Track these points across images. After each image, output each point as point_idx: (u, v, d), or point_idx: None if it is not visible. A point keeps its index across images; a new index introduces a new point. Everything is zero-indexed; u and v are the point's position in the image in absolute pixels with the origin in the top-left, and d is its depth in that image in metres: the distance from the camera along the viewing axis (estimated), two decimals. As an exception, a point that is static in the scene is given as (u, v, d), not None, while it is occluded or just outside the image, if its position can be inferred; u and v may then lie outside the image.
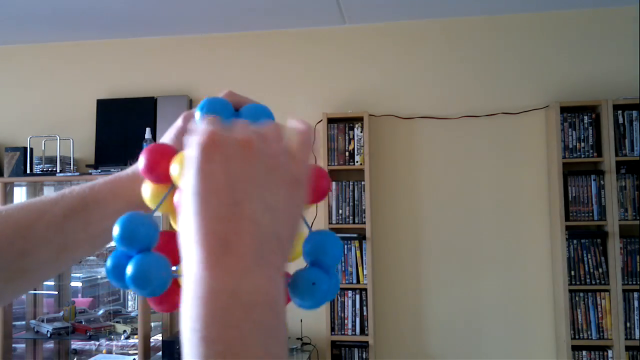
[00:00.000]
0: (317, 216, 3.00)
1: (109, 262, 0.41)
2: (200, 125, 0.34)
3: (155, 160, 0.42)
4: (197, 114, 0.45)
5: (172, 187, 0.43)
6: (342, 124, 2.99)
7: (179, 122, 0.49)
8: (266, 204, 0.32)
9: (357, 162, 2.96)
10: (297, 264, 0.44)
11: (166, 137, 0.49)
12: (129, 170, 0.50)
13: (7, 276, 0.46)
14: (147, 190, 0.44)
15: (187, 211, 0.32)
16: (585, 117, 2.80)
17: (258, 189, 0.32)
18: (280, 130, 0.35)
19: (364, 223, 2.90)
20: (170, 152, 0.43)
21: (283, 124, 0.37)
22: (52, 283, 3.47)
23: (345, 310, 2.91)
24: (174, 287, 0.41)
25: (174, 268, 0.40)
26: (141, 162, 0.41)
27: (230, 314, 0.29)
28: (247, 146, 0.32)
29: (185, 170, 0.33)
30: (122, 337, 3.01)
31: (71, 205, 0.47)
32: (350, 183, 2.96)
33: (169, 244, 0.41)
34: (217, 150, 0.32)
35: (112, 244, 0.45)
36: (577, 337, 2.72)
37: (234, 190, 0.31)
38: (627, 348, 2.67)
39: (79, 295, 3.60)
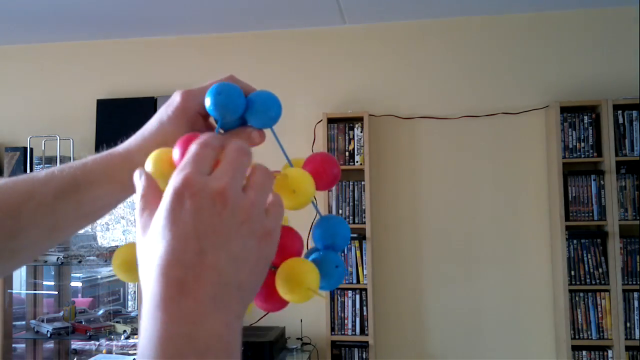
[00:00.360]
0: (317, 216, 3.00)
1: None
2: (181, 165, 0.35)
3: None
4: (208, 100, 0.44)
5: (218, 126, 0.45)
6: (342, 124, 2.99)
7: (176, 99, 0.47)
8: (232, 255, 0.32)
9: (357, 162, 2.96)
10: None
11: (164, 115, 0.47)
12: (122, 148, 0.48)
13: None
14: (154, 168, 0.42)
15: (152, 249, 0.33)
16: (585, 117, 2.80)
17: (226, 239, 0.32)
18: (263, 178, 0.36)
19: (364, 223, 2.90)
20: None
21: (265, 168, 0.37)
22: (52, 283, 3.47)
23: (345, 310, 2.91)
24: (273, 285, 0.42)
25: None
26: (177, 153, 0.40)
27: (184, 358, 0.29)
28: (221, 198, 0.33)
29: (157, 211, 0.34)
30: (122, 337, 3.01)
31: (62, 186, 0.45)
32: (350, 183, 2.96)
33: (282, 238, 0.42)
34: (190, 197, 0.32)
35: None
36: (577, 337, 2.72)
37: (199, 240, 0.32)
38: (627, 348, 2.67)
39: (79, 295, 3.60)
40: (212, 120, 0.49)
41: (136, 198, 0.37)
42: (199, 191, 0.33)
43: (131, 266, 0.44)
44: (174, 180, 0.33)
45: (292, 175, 0.43)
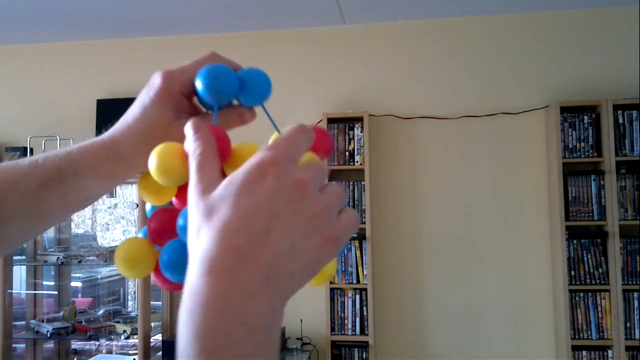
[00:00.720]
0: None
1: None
2: (272, 144, 0.35)
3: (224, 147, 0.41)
4: (200, 84, 0.43)
5: (216, 109, 0.44)
6: (342, 124, 2.99)
7: (157, 82, 0.46)
8: (293, 243, 0.32)
9: (357, 162, 2.96)
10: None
11: (146, 100, 0.46)
12: (107, 137, 0.46)
13: None
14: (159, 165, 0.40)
15: (217, 211, 0.32)
16: (585, 117, 2.80)
17: (293, 227, 0.32)
18: (340, 191, 0.36)
19: (364, 223, 2.90)
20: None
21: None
22: (52, 283, 3.47)
23: (345, 310, 2.91)
24: None
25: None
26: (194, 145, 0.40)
27: (234, 330, 0.29)
28: (301, 187, 0.33)
29: (234, 170, 0.34)
30: (122, 337, 3.01)
31: (46, 176, 0.44)
32: (350, 183, 2.96)
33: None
34: (273, 176, 0.33)
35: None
36: (577, 337, 2.72)
37: (270, 218, 0.32)
38: (627, 348, 2.67)
39: (79, 295, 3.60)
40: (195, 100, 0.47)
41: (191, 155, 0.36)
42: (283, 173, 0.33)
43: (134, 262, 0.44)
44: (262, 154, 0.33)
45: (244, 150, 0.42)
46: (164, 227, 0.45)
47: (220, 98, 0.44)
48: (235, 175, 0.33)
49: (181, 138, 0.39)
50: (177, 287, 0.43)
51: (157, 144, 0.40)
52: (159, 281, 0.46)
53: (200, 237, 0.32)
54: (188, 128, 0.38)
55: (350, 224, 0.35)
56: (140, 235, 0.47)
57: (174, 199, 0.47)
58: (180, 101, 0.46)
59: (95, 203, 3.51)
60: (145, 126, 0.45)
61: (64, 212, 0.46)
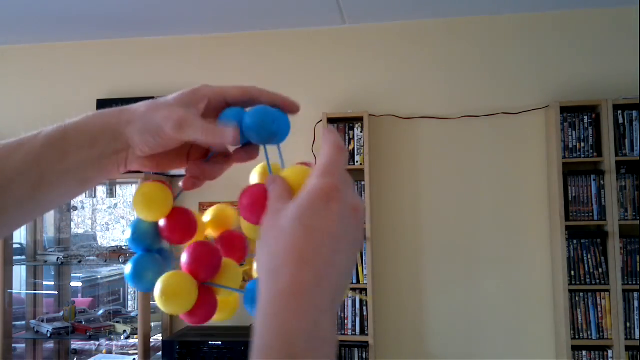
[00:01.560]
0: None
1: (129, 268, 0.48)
2: (325, 168, 0.38)
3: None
4: (254, 121, 0.46)
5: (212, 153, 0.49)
6: (342, 124, 2.99)
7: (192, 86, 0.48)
8: (348, 262, 0.37)
9: (357, 162, 2.96)
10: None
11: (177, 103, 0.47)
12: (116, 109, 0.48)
13: None
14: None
15: (289, 234, 0.35)
16: (585, 117, 2.80)
17: (351, 247, 0.37)
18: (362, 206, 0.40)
19: (364, 223, 2.89)
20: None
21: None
22: (52, 283, 3.47)
23: (345, 310, 2.91)
24: (205, 298, 0.47)
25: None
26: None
27: (314, 339, 0.32)
28: (356, 212, 0.37)
29: (298, 194, 0.37)
30: (122, 337, 3.01)
31: (50, 134, 0.46)
32: (350, 183, 2.95)
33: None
34: (336, 202, 0.36)
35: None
36: (577, 337, 2.72)
37: (338, 241, 0.36)
38: (627, 348, 2.67)
39: (79, 295, 3.60)
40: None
41: (271, 196, 0.40)
42: (343, 199, 0.36)
43: (153, 201, 0.47)
44: (321, 181, 0.37)
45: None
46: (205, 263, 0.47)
47: (266, 140, 0.46)
48: (301, 201, 0.36)
49: (168, 113, 0.43)
50: (202, 320, 0.48)
51: (152, 112, 0.44)
52: (185, 318, 0.49)
53: (280, 260, 0.35)
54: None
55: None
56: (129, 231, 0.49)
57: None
58: (199, 101, 0.47)
59: (95, 203, 3.51)
60: (156, 100, 0.47)
61: (62, 182, 0.46)
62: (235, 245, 0.51)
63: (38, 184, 0.44)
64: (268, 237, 0.37)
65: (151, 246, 0.49)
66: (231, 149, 0.50)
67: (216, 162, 0.50)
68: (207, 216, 0.53)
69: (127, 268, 0.48)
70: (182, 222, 0.48)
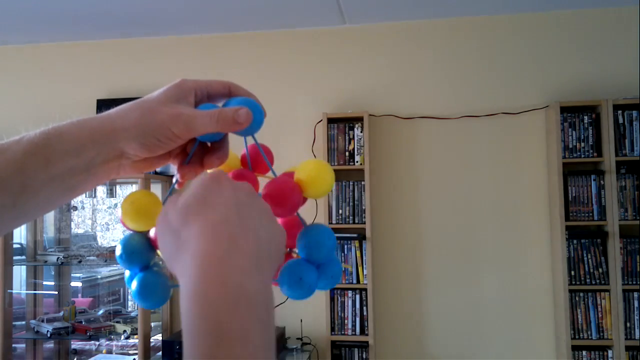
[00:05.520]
0: (317, 216, 3.01)
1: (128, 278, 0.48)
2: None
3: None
4: (248, 116, 0.46)
5: (197, 143, 0.47)
6: (342, 124, 2.99)
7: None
8: (263, 226, 0.38)
9: (357, 162, 2.96)
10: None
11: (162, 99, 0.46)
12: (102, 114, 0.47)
13: None
14: None
15: (195, 216, 0.37)
16: (585, 117, 2.80)
17: (258, 214, 0.39)
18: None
19: (364, 223, 2.90)
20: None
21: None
22: (52, 283, 3.47)
23: (345, 310, 2.91)
24: None
25: None
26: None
27: (238, 305, 0.32)
28: (249, 188, 0.41)
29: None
30: (122, 337, 3.01)
31: (32, 141, 0.43)
32: (350, 183, 2.96)
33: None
34: (226, 179, 0.40)
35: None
36: (577, 337, 2.72)
37: (239, 208, 0.38)
38: (627, 348, 2.67)
39: (79, 295, 3.60)
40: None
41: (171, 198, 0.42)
42: (230, 180, 0.40)
43: (143, 210, 0.46)
44: (205, 175, 0.40)
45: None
46: None
47: (253, 131, 0.46)
48: (193, 188, 0.39)
49: (171, 113, 0.43)
50: None
51: (150, 115, 0.43)
52: None
53: (194, 238, 0.36)
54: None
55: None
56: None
57: None
58: (188, 94, 0.47)
59: (95, 203, 3.51)
60: (143, 101, 0.46)
61: (45, 190, 0.44)
62: None
63: (20, 192, 0.43)
64: (162, 226, 0.39)
65: (146, 261, 0.47)
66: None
67: (191, 167, 0.49)
68: None
69: (133, 285, 0.46)
70: None
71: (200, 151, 0.49)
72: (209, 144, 0.49)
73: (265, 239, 0.37)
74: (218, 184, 0.39)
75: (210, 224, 0.36)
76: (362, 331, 2.89)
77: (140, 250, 0.46)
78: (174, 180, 0.49)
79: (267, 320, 0.33)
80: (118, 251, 0.46)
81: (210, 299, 0.32)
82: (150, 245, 0.47)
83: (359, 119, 2.98)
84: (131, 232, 0.47)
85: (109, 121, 0.45)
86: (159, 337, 3.03)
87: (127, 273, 0.48)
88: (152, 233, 0.47)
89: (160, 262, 0.48)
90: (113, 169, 0.45)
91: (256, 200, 0.40)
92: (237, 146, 0.47)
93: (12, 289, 2.97)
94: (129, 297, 3.57)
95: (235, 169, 0.51)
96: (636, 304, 2.69)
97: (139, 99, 0.46)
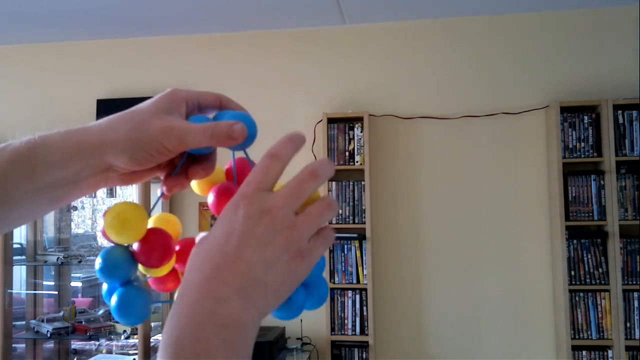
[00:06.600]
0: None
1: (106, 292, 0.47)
2: (249, 176, 0.40)
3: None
4: (242, 131, 0.43)
5: (186, 155, 0.46)
6: (342, 124, 2.99)
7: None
8: (264, 258, 0.37)
9: (357, 162, 2.96)
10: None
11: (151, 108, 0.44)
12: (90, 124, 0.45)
13: None
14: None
15: (200, 242, 0.39)
16: (585, 117, 2.80)
17: (262, 245, 0.37)
18: (320, 209, 0.40)
19: (364, 223, 2.90)
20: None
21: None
22: (52, 283, 3.47)
23: (345, 310, 2.91)
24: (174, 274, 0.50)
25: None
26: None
27: (203, 329, 0.34)
28: (268, 215, 0.38)
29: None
30: (122, 337, 3.01)
31: (17, 150, 0.42)
32: (350, 183, 2.96)
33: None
34: (243, 206, 0.38)
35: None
36: (577, 337, 2.72)
37: (241, 238, 0.37)
38: (627, 348, 2.67)
39: (79, 295, 3.60)
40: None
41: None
42: (252, 204, 0.38)
43: (129, 223, 0.44)
44: (237, 192, 0.40)
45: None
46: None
47: (246, 145, 0.45)
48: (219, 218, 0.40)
49: (163, 126, 0.42)
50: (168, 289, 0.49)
51: (142, 128, 0.42)
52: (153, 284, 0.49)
53: (194, 266, 0.38)
54: None
55: (320, 241, 0.40)
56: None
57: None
58: (180, 105, 0.45)
59: (95, 203, 3.51)
60: (133, 112, 0.44)
61: (28, 201, 0.43)
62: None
63: (3, 201, 0.42)
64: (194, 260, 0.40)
65: (127, 275, 0.45)
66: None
67: (177, 179, 0.47)
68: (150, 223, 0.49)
69: (113, 300, 0.44)
70: (160, 243, 0.46)
71: (185, 162, 0.47)
72: (196, 156, 0.47)
73: (261, 269, 0.37)
74: (234, 212, 0.39)
75: (204, 252, 0.38)
76: (362, 331, 2.89)
77: (123, 264, 0.45)
78: (158, 192, 0.47)
79: (239, 344, 0.34)
80: (98, 264, 0.44)
81: (178, 322, 0.34)
82: (133, 259, 0.45)
83: (359, 119, 2.98)
84: (113, 244, 0.45)
85: (98, 133, 0.43)
86: (159, 337, 3.03)
87: (104, 287, 0.46)
88: (135, 246, 0.45)
89: (141, 277, 0.47)
90: (101, 181, 0.44)
91: (263, 229, 0.38)
92: (222, 159, 0.46)
93: (12, 289, 2.97)
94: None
95: (220, 183, 0.50)
96: (636, 304, 2.69)
97: (129, 109, 0.44)
